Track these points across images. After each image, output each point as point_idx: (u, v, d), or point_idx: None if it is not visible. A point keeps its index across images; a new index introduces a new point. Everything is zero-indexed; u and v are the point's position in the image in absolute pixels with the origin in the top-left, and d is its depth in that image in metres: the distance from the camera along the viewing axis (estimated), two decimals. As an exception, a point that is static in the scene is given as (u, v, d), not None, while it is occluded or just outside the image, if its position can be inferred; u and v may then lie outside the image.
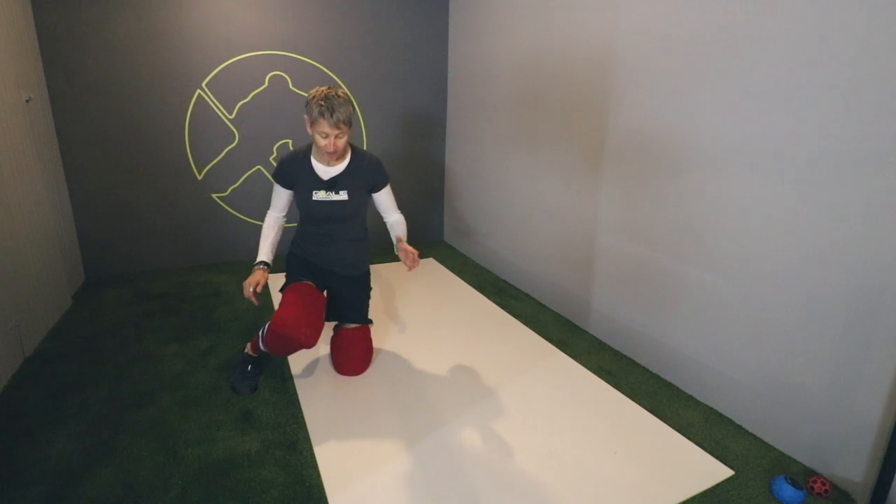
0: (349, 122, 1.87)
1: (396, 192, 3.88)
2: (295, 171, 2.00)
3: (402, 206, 3.91)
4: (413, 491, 1.54)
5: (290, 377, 2.13)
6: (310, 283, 2.07)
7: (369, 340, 2.23)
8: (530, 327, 2.66)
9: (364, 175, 2.04)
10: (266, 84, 3.35)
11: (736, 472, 1.65)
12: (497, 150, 3.31)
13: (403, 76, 3.71)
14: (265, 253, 2.02)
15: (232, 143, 3.36)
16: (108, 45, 2.95)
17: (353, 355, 2.16)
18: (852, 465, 1.57)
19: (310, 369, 2.20)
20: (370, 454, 1.69)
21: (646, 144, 2.16)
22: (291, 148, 3.50)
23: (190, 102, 3.20)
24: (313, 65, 3.44)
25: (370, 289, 2.27)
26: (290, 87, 3.41)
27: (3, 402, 1.94)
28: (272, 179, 2.06)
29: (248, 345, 2.13)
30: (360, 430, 1.82)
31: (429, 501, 1.50)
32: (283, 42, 3.33)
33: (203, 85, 3.20)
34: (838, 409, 1.59)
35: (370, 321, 2.22)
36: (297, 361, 2.25)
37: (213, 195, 3.41)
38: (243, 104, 3.32)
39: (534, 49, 2.82)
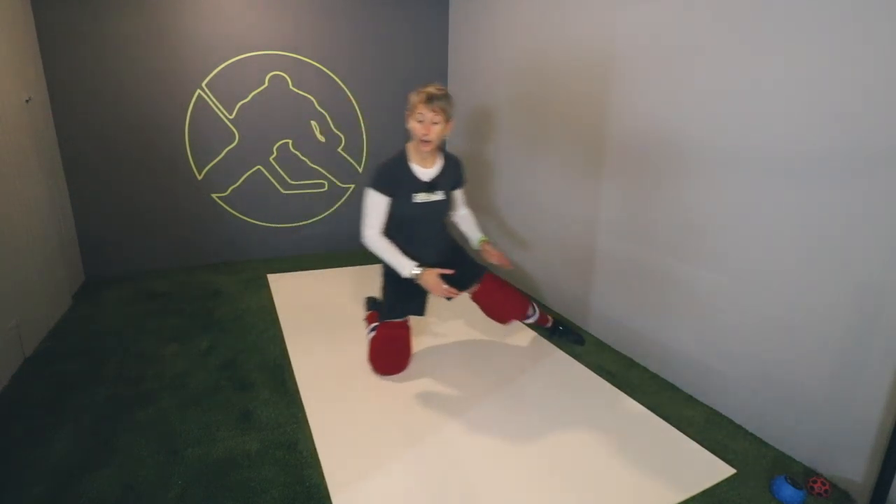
0: (446, 111, 1.93)
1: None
2: (396, 176, 2.02)
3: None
4: (414, 489, 1.54)
5: (291, 377, 2.13)
6: (402, 321, 2.17)
7: (503, 282, 2.31)
8: (530, 327, 2.66)
9: (454, 174, 2.17)
10: (266, 84, 3.35)
11: (737, 471, 1.65)
12: (497, 150, 3.31)
13: (403, 77, 3.71)
14: (408, 259, 2.04)
15: (232, 143, 3.36)
16: (108, 45, 2.95)
17: (504, 299, 2.25)
18: (852, 465, 1.57)
19: (310, 369, 2.20)
20: (371, 454, 1.69)
21: (646, 145, 2.16)
22: (293, 149, 3.51)
23: (190, 102, 3.20)
24: (313, 65, 3.44)
25: (462, 247, 2.35)
26: (290, 87, 3.41)
27: (3, 402, 1.94)
28: (372, 191, 2.00)
29: (367, 314, 2.50)
30: (362, 429, 1.82)
31: (430, 499, 1.50)
32: (283, 42, 3.33)
33: (203, 85, 3.20)
34: (838, 409, 1.59)
35: (486, 269, 2.29)
36: (298, 361, 2.26)
37: (213, 195, 3.41)
38: (243, 104, 3.32)
39: (533, 51, 2.82)
